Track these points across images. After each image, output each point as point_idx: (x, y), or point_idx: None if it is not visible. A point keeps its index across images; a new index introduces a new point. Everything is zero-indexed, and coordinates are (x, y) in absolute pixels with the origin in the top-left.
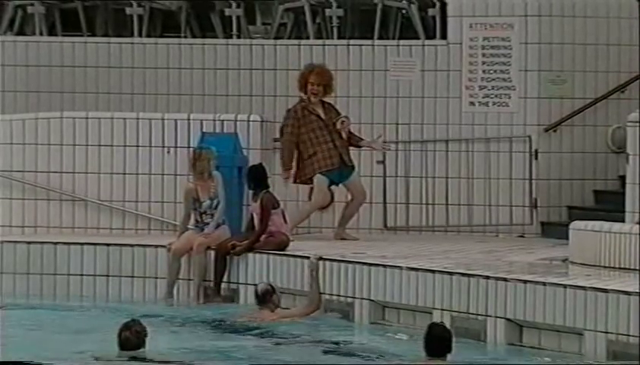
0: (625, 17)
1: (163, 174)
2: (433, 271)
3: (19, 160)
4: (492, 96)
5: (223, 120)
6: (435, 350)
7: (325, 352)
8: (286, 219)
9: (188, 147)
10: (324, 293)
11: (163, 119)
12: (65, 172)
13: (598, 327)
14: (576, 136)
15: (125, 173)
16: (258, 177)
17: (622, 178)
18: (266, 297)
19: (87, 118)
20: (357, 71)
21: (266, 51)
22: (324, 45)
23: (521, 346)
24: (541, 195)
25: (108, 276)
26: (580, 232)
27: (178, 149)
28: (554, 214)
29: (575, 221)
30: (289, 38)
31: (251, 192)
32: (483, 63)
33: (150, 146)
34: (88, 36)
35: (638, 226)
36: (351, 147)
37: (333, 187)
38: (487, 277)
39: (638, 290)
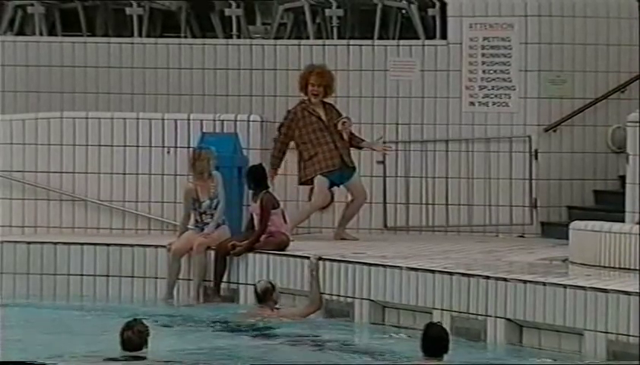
0: (625, 17)
1: (163, 174)
2: (433, 271)
3: (19, 160)
4: (492, 96)
5: (223, 120)
6: (432, 350)
7: (325, 352)
8: (286, 219)
9: (188, 147)
10: (324, 293)
11: (163, 119)
12: (65, 172)
13: (598, 327)
14: (576, 136)
15: (125, 173)
16: (257, 177)
17: (622, 178)
18: (266, 295)
19: (87, 118)
20: (357, 71)
21: (266, 51)
22: (324, 45)
23: (521, 346)
24: (541, 195)
25: (108, 276)
26: (580, 232)
27: (178, 149)
28: (554, 214)
29: (575, 221)
30: (289, 38)
31: (251, 192)
32: (483, 63)
33: (150, 146)
34: (88, 36)
35: (638, 226)
36: (352, 148)
37: (333, 187)
38: (487, 277)
39: (638, 290)
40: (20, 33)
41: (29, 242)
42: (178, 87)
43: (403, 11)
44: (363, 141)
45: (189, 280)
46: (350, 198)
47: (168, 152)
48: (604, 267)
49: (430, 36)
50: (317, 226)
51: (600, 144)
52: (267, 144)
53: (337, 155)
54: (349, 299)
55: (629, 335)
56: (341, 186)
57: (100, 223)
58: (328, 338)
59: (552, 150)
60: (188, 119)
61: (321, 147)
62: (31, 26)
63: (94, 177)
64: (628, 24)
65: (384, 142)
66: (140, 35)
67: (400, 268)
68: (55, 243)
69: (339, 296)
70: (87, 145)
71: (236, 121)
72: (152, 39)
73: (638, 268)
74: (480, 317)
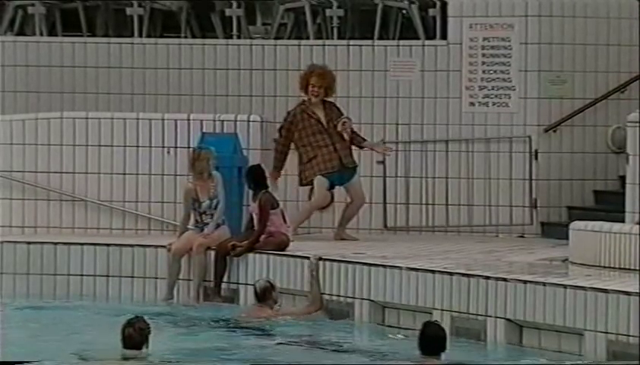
0: (626, 18)
1: (163, 174)
2: (433, 272)
3: (19, 161)
4: (492, 96)
5: (223, 120)
6: (429, 349)
7: (325, 352)
8: (285, 219)
9: (188, 147)
10: (324, 294)
11: (162, 119)
12: (65, 172)
13: (598, 327)
14: (576, 136)
15: (125, 174)
16: (256, 178)
17: (622, 178)
18: (265, 294)
19: (86, 118)
20: (357, 72)
21: (266, 51)
22: (324, 45)
23: (521, 346)
24: (541, 195)
25: (108, 276)
26: (580, 232)
27: (178, 149)
28: (554, 215)
29: (575, 221)
30: (289, 38)
31: (251, 192)
32: (483, 63)
33: (150, 146)
34: (88, 36)
35: (638, 226)
36: (353, 147)
37: (334, 187)
38: (487, 278)
39: (638, 291)
40: (21, 33)
41: (29, 243)
42: (178, 87)
43: (404, 11)
44: (365, 140)
45: (189, 280)
46: (348, 199)
47: (168, 152)
48: (604, 267)
49: (430, 36)
50: (317, 226)
51: (600, 144)
52: (267, 144)
53: (336, 157)
54: (349, 300)
55: (629, 335)
56: (341, 187)
57: (100, 223)
58: (328, 338)
59: (552, 151)
60: (188, 119)
61: (320, 150)
62: (31, 27)
63: (94, 177)
64: (628, 24)
65: (385, 143)
66: (140, 35)
67: (400, 268)
68: (55, 243)
69: (339, 296)
70: (87, 145)
71: (235, 121)
72: (152, 40)
73: (638, 268)
74: (479, 317)
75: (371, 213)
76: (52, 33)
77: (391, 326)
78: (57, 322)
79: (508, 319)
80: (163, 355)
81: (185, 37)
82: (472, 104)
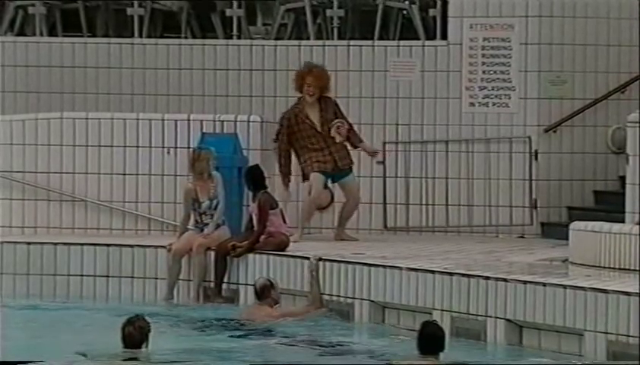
0: (626, 18)
1: (162, 175)
2: (433, 272)
3: (19, 161)
4: (492, 96)
5: (223, 121)
6: (427, 348)
7: (325, 352)
8: (285, 219)
9: (188, 147)
10: (324, 294)
11: (163, 120)
12: (65, 172)
13: (598, 327)
14: (576, 137)
15: (124, 174)
16: (255, 178)
17: (622, 178)
18: (264, 292)
19: (86, 118)
20: (357, 72)
21: (266, 51)
22: (324, 45)
23: (521, 347)
24: (541, 195)
25: (108, 276)
26: (580, 232)
27: (178, 149)
28: (554, 215)
29: (575, 222)
30: (289, 38)
31: (250, 192)
32: (483, 64)
33: (150, 146)
34: (88, 36)
35: (638, 226)
36: (350, 145)
37: (334, 185)
38: (487, 278)
39: (638, 291)
40: (21, 33)
41: (29, 243)
42: (178, 88)
43: (404, 12)
44: (362, 141)
45: (189, 280)
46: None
47: (168, 152)
48: (604, 267)
49: (430, 36)
50: (317, 226)
51: (600, 144)
52: (267, 144)
53: (331, 160)
54: (349, 300)
55: (629, 336)
56: (336, 185)
57: (100, 223)
58: (328, 338)
59: (552, 151)
60: (188, 120)
61: (315, 153)
62: (32, 27)
63: (94, 177)
64: (628, 25)
65: (384, 144)
66: (140, 35)
67: (400, 268)
68: (55, 244)
69: (339, 296)
70: (87, 146)
71: (236, 121)
72: (152, 40)
73: (638, 268)
74: (479, 318)
75: (371, 213)
76: (52, 33)
77: (391, 326)
78: (57, 322)
79: (508, 320)
80: (164, 355)
81: (186, 37)
82: (472, 104)
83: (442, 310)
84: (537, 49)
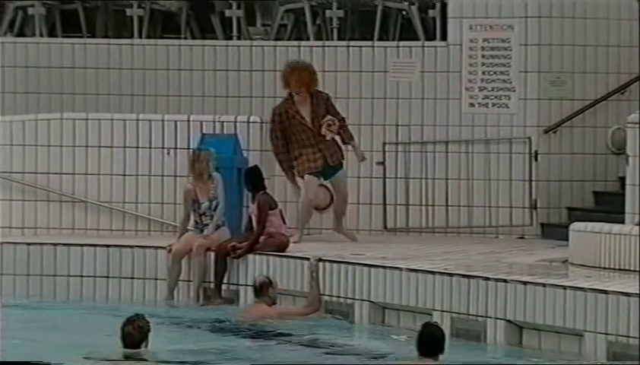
0: (625, 19)
1: (162, 175)
2: (433, 273)
3: (19, 162)
4: (492, 97)
5: (222, 121)
6: (426, 350)
7: (325, 353)
8: (284, 220)
9: (188, 148)
10: (324, 295)
11: (162, 121)
12: (65, 173)
13: (598, 328)
14: (576, 137)
15: (124, 175)
16: (255, 179)
17: (622, 179)
18: (262, 289)
19: (86, 119)
20: (357, 73)
21: (266, 52)
22: (323, 46)
23: (521, 347)
24: (541, 196)
25: (108, 277)
26: (580, 233)
27: (178, 150)
28: (554, 216)
29: (575, 222)
30: (289, 39)
31: (250, 193)
32: (483, 64)
33: (150, 147)
34: (88, 37)
35: (638, 227)
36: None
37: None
38: (487, 279)
39: (638, 292)
40: (21, 34)
41: (29, 244)
42: (178, 89)
43: (404, 12)
44: (353, 139)
45: (189, 281)
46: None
47: (168, 153)
48: (604, 268)
49: (430, 37)
50: (317, 227)
51: (600, 145)
52: (266, 145)
53: (321, 157)
54: (349, 301)
55: (629, 337)
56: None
57: (100, 224)
58: (328, 339)
59: (552, 152)
60: (188, 120)
61: (305, 149)
62: (31, 28)
63: (94, 178)
64: (628, 25)
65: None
66: (140, 36)
67: (400, 269)
68: (55, 244)
69: (339, 297)
70: (87, 146)
71: (235, 122)
72: (152, 41)
73: (638, 269)
74: (479, 318)
75: (371, 214)
76: (51, 34)
77: (391, 327)
78: (57, 322)
79: (508, 320)
80: (163, 356)
81: (185, 38)
82: (472, 105)
83: (442, 311)
84: (537, 49)
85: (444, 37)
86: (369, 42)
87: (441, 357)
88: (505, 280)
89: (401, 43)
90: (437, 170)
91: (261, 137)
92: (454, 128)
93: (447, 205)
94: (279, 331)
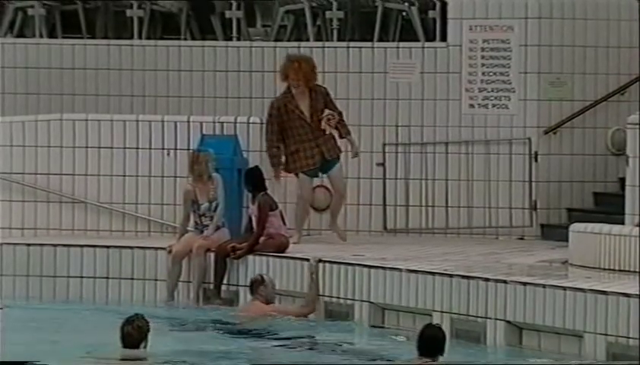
0: (625, 19)
1: (162, 176)
2: (433, 274)
3: (19, 162)
4: (492, 98)
5: (222, 122)
6: (425, 350)
7: (325, 354)
8: (284, 221)
9: (188, 149)
10: (323, 296)
11: (162, 121)
12: (65, 174)
13: (598, 329)
14: (576, 138)
15: (124, 175)
16: (255, 180)
17: (622, 180)
18: (254, 287)
19: (86, 120)
20: (357, 74)
21: (266, 53)
22: (323, 47)
23: (521, 348)
24: (541, 197)
25: (107, 278)
26: (580, 234)
27: (177, 151)
28: (554, 216)
29: (575, 223)
30: (289, 40)
31: (250, 194)
32: (483, 65)
33: (150, 148)
34: (88, 38)
35: (637, 228)
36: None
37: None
38: (487, 280)
39: (638, 293)
40: (21, 34)
41: (28, 245)
42: (177, 89)
43: (404, 13)
44: (350, 134)
45: (189, 282)
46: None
47: (168, 154)
48: (604, 269)
49: (430, 38)
50: (316, 228)
51: (600, 146)
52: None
53: (318, 152)
54: (349, 302)
55: (629, 337)
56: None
57: (100, 225)
58: (328, 339)
59: (551, 153)
60: (188, 121)
61: (302, 145)
62: (31, 28)
63: (94, 179)
64: (628, 26)
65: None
66: (140, 37)
67: (400, 270)
68: (55, 245)
69: (339, 298)
70: (87, 147)
71: (235, 123)
72: (152, 41)
73: (637, 270)
74: (479, 319)
75: (371, 215)
76: (51, 34)
77: (391, 328)
78: (56, 323)
79: (508, 321)
80: (163, 356)
81: (185, 39)
82: (472, 106)
83: (442, 312)
84: (537, 50)
85: (444, 38)
86: (369, 43)
87: (440, 358)
88: (504, 281)
89: (401, 44)
90: (437, 171)
91: (260, 138)
92: (454, 129)
93: (447, 206)
94: (279, 333)
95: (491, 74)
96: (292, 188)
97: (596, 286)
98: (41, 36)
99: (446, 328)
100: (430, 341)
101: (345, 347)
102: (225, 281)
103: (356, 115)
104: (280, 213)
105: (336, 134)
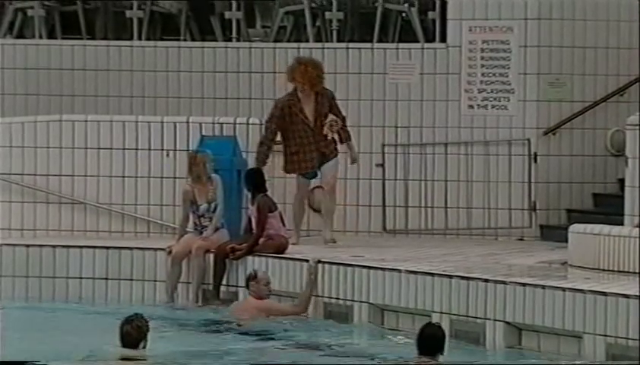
0: (625, 20)
1: (162, 177)
2: (432, 274)
3: (18, 163)
4: (492, 99)
5: (222, 123)
6: (425, 349)
7: (324, 355)
8: (284, 222)
9: (188, 150)
10: (323, 296)
11: (162, 122)
12: (64, 175)
13: (597, 330)
14: (575, 139)
15: (124, 176)
16: (255, 181)
17: (621, 181)
18: (247, 282)
19: (86, 121)
20: (356, 75)
21: (265, 54)
22: (323, 48)
23: (521, 349)
24: (540, 197)
25: (107, 279)
26: (579, 235)
27: (177, 152)
28: (553, 217)
29: (574, 224)
30: (288, 41)
31: (249, 194)
32: (482, 66)
33: (150, 149)
34: (88, 39)
35: (637, 229)
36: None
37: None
38: (486, 281)
39: (637, 294)
40: (20, 35)
41: (28, 245)
42: (177, 90)
43: (403, 14)
44: (350, 140)
45: (188, 283)
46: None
47: (167, 155)
48: (603, 270)
49: (429, 39)
50: (316, 228)
51: (599, 147)
52: None
53: (318, 155)
54: (348, 302)
55: (628, 338)
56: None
57: (99, 226)
58: (328, 340)
59: (551, 153)
60: (188, 122)
61: (303, 148)
62: (31, 29)
63: (93, 180)
64: (627, 27)
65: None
66: (139, 38)
67: (399, 271)
68: (54, 246)
69: (338, 299)
70: (86, 148)
71: (235, 124)
72: (151, 42)
73: (637, 271)
74: (479, 320)
75: (370, 215)
76: (51, 35)
77: (390, 329)
78: (56, 324)
79: (507, 322)
80: (163, 357)
81: (185, 40)
82: (471, 107)
83: (441, 313)
84: (536, 51)
85: (443, 39)
86: (369, 44)
87: (440, 357)
88: (504, 282)
89: (401, 45)
90: (436, 172)
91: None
92: (454, 130)
93: (446, 207)
94: (279, 333)
95: (490, 75)
96: (292, 189)
97: (595, 287)
98: (40, 36)
99: (445, 328)
100: (430, 340)
101: (344, 348)
102: (224, 282)
103: (356, 116)
104: (280, 214)
105: (337, 137)
